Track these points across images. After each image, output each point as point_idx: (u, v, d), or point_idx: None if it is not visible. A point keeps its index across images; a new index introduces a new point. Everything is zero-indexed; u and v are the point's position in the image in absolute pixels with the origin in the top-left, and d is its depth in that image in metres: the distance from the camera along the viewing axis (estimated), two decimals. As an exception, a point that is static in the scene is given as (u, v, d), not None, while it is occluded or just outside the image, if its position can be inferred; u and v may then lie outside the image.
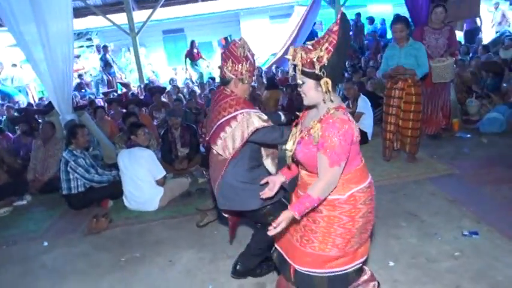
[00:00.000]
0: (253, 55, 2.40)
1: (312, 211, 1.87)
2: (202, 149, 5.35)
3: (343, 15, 1.73)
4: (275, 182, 2.13)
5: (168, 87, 9.30)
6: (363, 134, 5.29)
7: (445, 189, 3.64)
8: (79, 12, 10.01)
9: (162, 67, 13.90)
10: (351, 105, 5.40)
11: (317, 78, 1.73)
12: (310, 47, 1.75)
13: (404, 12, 6.48)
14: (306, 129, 1.86)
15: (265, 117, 2.32)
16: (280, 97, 7.48)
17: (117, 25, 9.68)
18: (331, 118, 1.75)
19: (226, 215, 2.62)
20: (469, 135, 5.06)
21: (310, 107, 1.93)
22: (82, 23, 12.16)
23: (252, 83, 8.93)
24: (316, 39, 1.82)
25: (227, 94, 2.35)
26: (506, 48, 8.05)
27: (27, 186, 4.94)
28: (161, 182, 4.08)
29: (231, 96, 2.33)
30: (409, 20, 4.90)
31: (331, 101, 1.78)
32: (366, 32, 12.11)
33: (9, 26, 5.04)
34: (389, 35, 11.18)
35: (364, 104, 5.28)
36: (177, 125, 5.22)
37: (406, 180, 3.97)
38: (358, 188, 1.86)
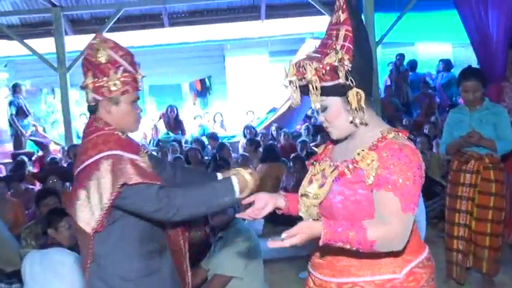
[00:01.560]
0: (127, 54, 2.35)
1: None
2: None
3: None
4: (267, 201, 2.11)
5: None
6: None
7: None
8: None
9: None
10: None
11: (344, 92, 1.79)
12: (317, 54, 1.83)
13: (468, 56, 6.81)
14: (346, 162, 1.88)
15: (149, 169, 2.27)
16: (283, 174, 7.59)
17: (40, 55, 9.99)
18: (395, 144, 1.81)
19: None
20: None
21: (336, 141, 2.01)
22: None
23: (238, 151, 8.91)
24: (319, 44, 1.91)
25: (98, 128, 2.30)
26: None
27: None
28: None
29: (101, 131, 2.27)
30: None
31: (366, 124, 1.85)
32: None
33: None
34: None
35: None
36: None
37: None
38: (417, 261, 1.90)
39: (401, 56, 12.72)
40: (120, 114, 2.29)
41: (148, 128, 12.97)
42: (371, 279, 1.88)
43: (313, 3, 10.24)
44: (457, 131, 4.32)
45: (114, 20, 10.03)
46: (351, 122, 1.86)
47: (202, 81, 14.94)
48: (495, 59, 5.80)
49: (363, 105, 1.79)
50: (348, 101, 1.79)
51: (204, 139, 10.98)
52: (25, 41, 10.09)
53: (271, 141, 9.74)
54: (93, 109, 2.32)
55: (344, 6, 1.79)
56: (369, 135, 1.88)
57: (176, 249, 2.50)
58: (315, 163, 2.05)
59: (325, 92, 1.81)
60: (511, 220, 4.95)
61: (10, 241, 5.49)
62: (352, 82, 1.75)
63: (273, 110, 12.26)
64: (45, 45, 10.46)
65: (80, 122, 12.01)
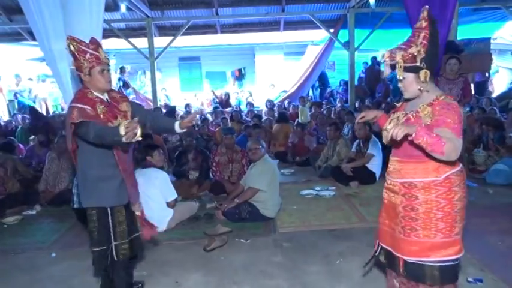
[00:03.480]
0: (90, 43, 2.43)
1: (407, 199, 2.01)
2: (211, 175, 5.48)
3: (429, 11, 1.96)
4: (377, 113, 2.31)
5: (182, 113, 9.55)
6: (371, 174, 5.41)
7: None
8: (102, 33, 10.39)
9: (175, 93, 14.23)
10: (362, 145, 5.54)
11: (417, 71, 1.93)
12: (404, 46, 1.96)
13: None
14: (413, 112, 2.02)
15: (91, 113, 2.34)
16: (290, 131, 7.66)
17: (138, 49, 10.04)
18: (445, 102, 1.94)
19: None
20: (475, 185, 5.16)
21: (408, 100, 2.11)
22: (103, 44, 12.54)
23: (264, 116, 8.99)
24: (405, 40, 2.02)
25: (80, 89, 2.50)
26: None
27: (38, 196, 5.05)
28: (172, 205, 4.17)
29: (80, 92, 2.46)
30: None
31: (427, 91, 1.99)
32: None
33: (40, 42, 5.29)
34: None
35: (375, 146, 5.42)
36: (191, 147, 5.38)
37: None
38: (452, 171, 1.98)
39: (374, 59, 12.44)
40: (93, 80, 2.44)
41: (205, 99, 13.08)
42: (421, 180, 2.00)
43: (315, 21, 10.07)
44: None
45: (185, 28, 9.99)
46: (419, 89, 1.98)
47: (239, 70, 14.81)
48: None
49: (428, 80, 1.94)
50: (419, 76, 1.94)
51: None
52: (129, 39, 10.14)
53: (283, 110, 9.78)
54: (80, 79, 2.49)
55: (426, 18, 1.94)
56: (428, 97, 1.99)
57: (125, 168, 2.52)
58: (394, 112, 2.16)
59: (406, 69, 1.96)
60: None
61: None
62: (423, 65, 1.92)
63: (284, 91, 12.22)
64: (141, 42, 10.47)
65: (161, 94, 12.10)
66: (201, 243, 3.68)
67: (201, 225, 4.18)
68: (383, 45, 12.41)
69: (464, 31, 9.25)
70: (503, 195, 4.77)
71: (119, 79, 11.34)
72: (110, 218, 2.51)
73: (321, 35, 11.74)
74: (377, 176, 5.43)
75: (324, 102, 11.14)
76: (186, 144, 5.44)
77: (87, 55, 2.39)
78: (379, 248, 2.26)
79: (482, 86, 10.37)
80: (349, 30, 9.87)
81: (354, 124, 6.63)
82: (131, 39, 10.20)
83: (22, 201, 4.93)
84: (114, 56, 14.64)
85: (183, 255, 3.56)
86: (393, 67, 1.99)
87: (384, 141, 2.04)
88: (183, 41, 12.56)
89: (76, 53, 2.39)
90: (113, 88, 2.73)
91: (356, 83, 11.16)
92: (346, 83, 11.63)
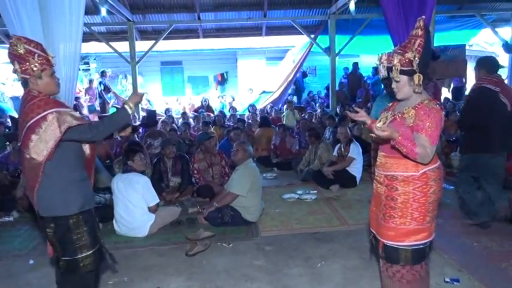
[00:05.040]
0: (37, 45, 2.26)
1: (389, 190, 2.24)
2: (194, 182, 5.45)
3: (425, 21, 2.12)
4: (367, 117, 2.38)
5: (162, 118, 9.49)
6: (352, 178, 5.48)
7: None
8: (83, 37, 10.24)
9: (157, 97, 14.12)
10: (343, 149, 5.61)
11: (411, 74, 2.09)
12: (400, 51, 2.11)
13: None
14: (399, 113, 2.20)
15: (78, 115, 2.30)
16: (272, 135, 7.68)
17: (119, 53, 9.94)
18: (428, 107, 2.11)
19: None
20: (452, 187, 5.27)
21: (399, 100, 2.28)
22: (83, 48, 12.38)
23: (247, 120, 9.03)
24: (401, 46, 2.17)
25: (34, 95, 2.24)
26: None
27: (15, 203, 4.91)
28: (153, 210, 4.13)
29: (38, 97, 2.22)
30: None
31: (420, 92, 2.15)
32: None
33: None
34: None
35: (356, 149, 5.50)
36: (172, 154, 5.34)
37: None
38: (429, 168, 2.18)
39: (356, 64, 12.62)
40: (44, 84, 2.26)
41: (187, 104, 13.01)
42: (402, 174, 2.20)
43: (296, 27, 10.17)
44: (380, 109, 4.47)
45: (167, 32, 9.95)
46: (413, 91, 2.14)
47: (222, 74, 14.85)
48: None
49: (420, 83, 2.10)
50: (413, 79, 2.11)
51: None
52: (110, 43, 10.03)
53: (265, 114, 9.82)
54: (25, 85, 2.28)
55: (422, 27, 2.09)
56: (415, 100, 2.17)
57: (91, 165, 2.51)
58: (384, 112, 2.35)
59: (402, 72, 2.12)
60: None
61: (102, 169, 5.62)
62: (417, 69, 2.08)
63: (263, 92, 12.29)
64: (122, 46, 10.37)
65: (143, 98, 11.97)
66: (183, 248, 3.66)
67: (183, 229, 4.15)
68: (363, 51, 12.67)
69: (441, 38, 9.52)
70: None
71: (100, 83, 11.17)
72: (96, 219, 2.49)
73: (302, 40, 11.86)
74: (358, 179, 5.51)
75: (303, 106, 11.26)
76: (165, 152, 5.37)
77: (36, 56, 2.21)
78: (370, 232, 2.49)
79: (459, 91, 10.65)
80: (330, 36, 10.00)
81: (335, 128, 6.72)
82: (112, 43, 10.10)
83: (-1, 208, 4.80)
84: (94, 59, 14.47)
85: (165, 260, 3.53)
86: (389, 69, 2.15)
87: (375, 139, 2.26)
88: (165, 45, 12.51)
89: (25, 55, 2.19)
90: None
91: (337, 87, 11.30)
92: (328, 87, 11.77)
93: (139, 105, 10.36)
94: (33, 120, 2.17)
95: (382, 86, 4.69)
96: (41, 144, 2.17)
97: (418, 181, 2.17)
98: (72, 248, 2.32)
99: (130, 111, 2.33)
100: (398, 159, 2.21)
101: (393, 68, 2.12)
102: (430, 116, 2.09)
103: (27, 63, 2.19)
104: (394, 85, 2.20)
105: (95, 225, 2.43)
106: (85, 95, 11.49)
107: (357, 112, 2.22)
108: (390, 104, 2.41)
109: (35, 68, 2.20)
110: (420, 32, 2.10)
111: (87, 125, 2.27)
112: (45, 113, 2.17)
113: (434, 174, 2.19)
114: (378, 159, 2.39)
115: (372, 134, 2.12)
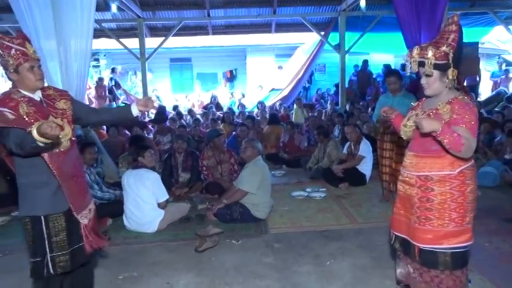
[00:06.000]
0: (14, 39, 2.23)
1: (423, 191, 2.12)
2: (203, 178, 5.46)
3: (458, 17, 2.09)
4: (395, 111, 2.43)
5: (171, 114, 9.52)
6: (361, 176, 5.45)
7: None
8: (93, 33, 10.31)
9: (166, 93, 14.18)
10: (353, 147, 5.57)
11: (445, 69, 2.03)
12: (434, 45, 2.06)
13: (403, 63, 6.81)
14: (431, 109, 2.12)
15: (10, 117, 2.07)
16: (281, 133, 7.67)
17: (129, 49, 9.97)
18: (463, 101, 2.06)
19: None
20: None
21: (427, 96, 2.21)
22: (93, 44, 12.47)
23: (258, 118, 9.01)
24: (433, 41, 2.14)
25: (7, 90, 2.26)
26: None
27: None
28: (163, 205, 4.14)
29: (5, 93, 2.22)
30: (401, 73, 5.23)
31: (452, 88, 2.11)
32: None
33: (29, 40, 5.23)
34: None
35: (366, 148, 5.46)
36: (182, 150, 5.36)
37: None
38: (466, 165, 2.11)
39: (365, 62, 12.50)
40: (22, 79, 2.22)
41: (196, 100, 13.03)
42: (437, 173, 2.12)
43: (306, 24, 10.12)
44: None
45: (177, 28, 9.95)
46: (445, 87, 2.09)
47: (231, 71, 14.87)
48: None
49: (454, 77, 2.05)
50: (445, 74, 2.05)
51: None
52: (120, 39, 10.04)
53: (274, 112, 9.80)
54: (10, 80, 2.28)
55: (456, 22, 2.07)
56: (447, 96, 2.11)
57: (61, 173, 2.24)
58: (411, 111, 2.28)
59: (435, 66, 2.05)
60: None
61: (111, 164, 5.67)
62: (452, 64, 2.03)
63: (273, 89, 12.23)
64: (132, 42, 10.40)
65: (152, 95, 12.03)
66: (192, 244, 3.67)
67: (192, 226, 4.16)
68: (373, 48, 12.57)
69: (453, 35, 9.38)
70: (491, 197, 4.83)
71: (111, 79, 11.26)
72: (44, 227, 2.26)
73: (312, 37, 11.79)
74: (367, 177, 5.47)
75: (312, 104, 11.21)
76: (176, 146, 5.40)
77: (12, 51, 2.18)
78: (394, 236, 2.39)
79: (473, 90, 10.51)
80: (340, 33, 9.92)
81: (343, 126, 6.68)
82: (122, 40, 10.10)
83: (10, 201, 4.83)
84: (104, 56, 14.56)
85: (174, 256, 3.54)
86: (421, 64, 2.08)
87: (403, 136, 2.24)
88: (175, 42, 12.53)
89: (2, 50, 2.18)
90: (50, 85, 2.47)
91: (347, 85, 11.23)
92: (337, 85, 11.71)
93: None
94: None
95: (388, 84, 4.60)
96: None
97: (455, 180, 2.09)
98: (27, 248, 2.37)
99: (35, 135, 1.90)
100: (432, 157, 2.12)
101: (426, 61, 2.04)
102: (467, 110, 2.02)
103: (3, 58, 2.20)
104: (423, 80, 2.12)
105: (41, 235, 2.27)
106: (96, 92, 11.50)
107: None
108: (416, 103, 2.34)
109: (10, 63, 2.19)
110: (455, 28, 2.06)
111: (11, 133, 2.03)
112: None
113: (470, 173, 2.13)
114: (406, 160, 2.28)
115: (404, 131, 2.11)
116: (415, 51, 2.09)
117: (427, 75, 2.09)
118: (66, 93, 2.48)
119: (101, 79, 11.25)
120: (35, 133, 1.87)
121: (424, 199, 2.14)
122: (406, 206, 2.24)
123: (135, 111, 2.49)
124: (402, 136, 2.28)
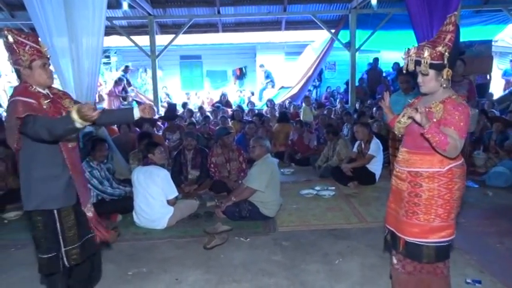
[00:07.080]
0: (29, 36, 2.29)
1: (412, 186, 2.19)
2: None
3: (456, 17, 2.13)
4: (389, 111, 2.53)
5: (180, 111, 9.56)
6: (371, 175, 5.42)
7: (450, 237, 3.71)
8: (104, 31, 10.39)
9: (176, 91, 14.23)
10: (363, 146, 5.54)
11: (440, 69, 2.08)
12: (430, 45, 2.11)
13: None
14: (425, 107, 2.16)
15: (34, 107, 2.16)
16: (290, 131, 7.66)
17: (140, 47, 10.02)
18: (456, 102, 2.11)
19: None
20: (476, 186, 5.17)
21: (423, 94, 2.27)
22: (104, 41, 12.57)
23: (267, 115, 8.97)
24: (430, 40, 2.19)
25: (20, 84, 2.30)
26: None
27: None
28: (172, 202, 4.17)
29: (21, 86, 2.26)
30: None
31: (447, 87, 2.15)
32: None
33: (42, 38, 5.27)
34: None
35: (376, 147, 5.42)
36: (191, 147, 5.38)
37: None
38: (455, 164, 2.18)
39: (376, 60, 12.40)
40: (35, 75, 2.27)
41: (205, 98, 13.07)
42: (426, 170, 2.19)
43: (316, 21, 10.07)
44: (395, 107, 4.37)
45: (187, 26, 9.98)
46: (440, 86, 2.14)
47: (240, 69, 14.85)
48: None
49: (449, 77, 2.11)
50: (440, 73, 2.10)
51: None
52: (130, 36, 10.10)
53: (284, 110, 9.79)
54: (18, 75, 2.32)
55: (454, 23, 2.11)
56: (442, 95, 2.17)
57: (74, 164, 2.37)
58: (407, 108, 2.31)
59: (431, 66, 2.10)
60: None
61: (121, 160, 5.71)
62: (447, 63, 2.09)
63: (282, 88, 12.20)
64: (142, 40, 10.44)
65: (162, 92, 12.10)
66: (201, 241, 3.68)
67: (201, 223, 4.19)
68: (384, 46, 12.45)
69: (466, 33, 9.26)
70: (502, 197, 4.78)
71: (124, 77, 11.34)
72: (58, 222, 2.32)
73: (322, 35, 11.73)
74: (377, 176, 5.44)
75: (322, 102, 11.17)
76: (186, 144, 5.43)
77: (27, 47, 2.24)
78: (387, 230, 2.46)
79: (484, 88, 10.36)
80: (350, 30, 9.86)
81: (353, 125, 6.64)
82: (133, 37, 10.15)
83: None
84: (115, 53, 14.65)
85: (183, 252, 3.57)
86: (417, 63, 2.13)
87: (396, 132, 2.31)
88: (185, 39, 12.55)
89: (14, 45, 2.23)
90: (52, 86, 2.49)
91: (357, 83, 11.16)
92: (347, 83, 11.64)
93: (159, 99, 10.47)
94: (8, 105, 2.24)
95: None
96: (10, 132, 2.20)
97: (444, 177, 2.16)
98: (35, 244, 2.39)
99: (75, 116, 2.03)
100: (423, 154, 2.19)
101: (422, 61, 2.10)
102: (458, 110, 2.08)
103: (17, 54, 2.23)
104: (419, 79, 2.18)
105: (54, 229, 2.32)
106: (114, 91, 11.49)
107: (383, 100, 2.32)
108: (412, 101, 2.39)
109: (24, 59, 2.23)
110: (451, 28, 2.09)
111: (39, 118, 2.12)
112: (13, 99, 2.20)
113: (459, 171, 2.18)
114: (399, 155, 2.36)
115: (398, 127, 2.16)
116: (412, 50, 2.15)
117: (423, 74, 2.15)
118: (68, 94, 2.59)
119: (120, 79, 11.27)
120: (74, 114, 1.99)
121: (413, 194, 2.22)
122: (397, 199, 2.32)
123: (136, 114, 2.50)
124: (395, 132, 2.37)
